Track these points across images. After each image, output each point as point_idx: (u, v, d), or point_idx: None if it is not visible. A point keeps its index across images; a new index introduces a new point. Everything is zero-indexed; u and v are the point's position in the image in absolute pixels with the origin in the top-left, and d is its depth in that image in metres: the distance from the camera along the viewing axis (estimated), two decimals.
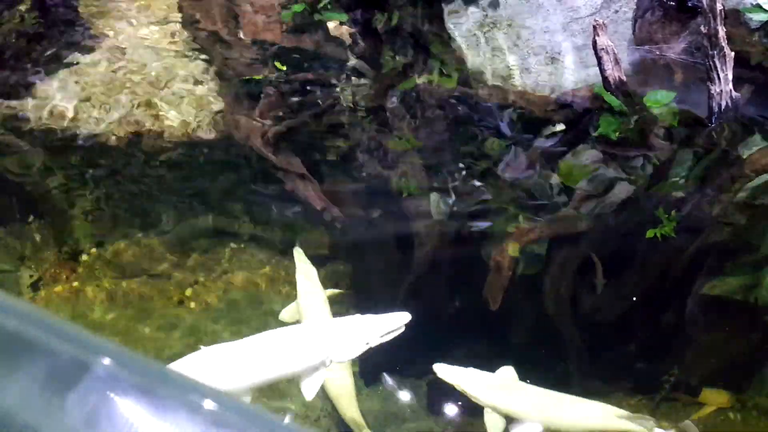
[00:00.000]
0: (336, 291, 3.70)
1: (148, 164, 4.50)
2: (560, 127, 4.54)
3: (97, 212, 4.24)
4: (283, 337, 2.85)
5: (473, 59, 4.91)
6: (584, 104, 4.56)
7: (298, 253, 3.68)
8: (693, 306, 3.80)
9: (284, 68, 4.91)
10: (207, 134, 4.61)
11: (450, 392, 3.58)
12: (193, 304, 3.84)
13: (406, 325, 2.82)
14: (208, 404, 0.72)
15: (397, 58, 5.01)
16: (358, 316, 2.82)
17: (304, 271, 3.61)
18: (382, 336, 2.77)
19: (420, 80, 4.82)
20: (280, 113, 4.67)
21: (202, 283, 3.93)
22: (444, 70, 4.86)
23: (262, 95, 4.74)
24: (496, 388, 3.17)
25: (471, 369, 3.18)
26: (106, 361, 0.74)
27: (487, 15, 4.90)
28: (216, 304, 3.83)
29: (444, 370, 3.15)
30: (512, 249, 3.77)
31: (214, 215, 4.26)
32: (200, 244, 4.11)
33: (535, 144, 4.54)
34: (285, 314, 3.48)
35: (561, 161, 4.41)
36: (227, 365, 2.69)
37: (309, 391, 2.74)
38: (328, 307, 3.50)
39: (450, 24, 5.01)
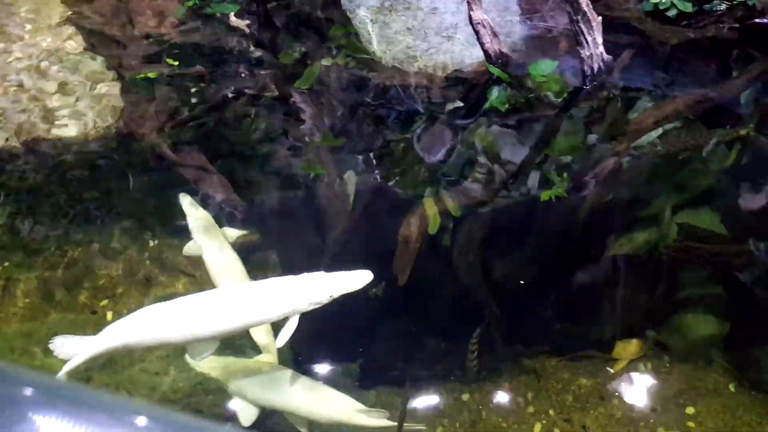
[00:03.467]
0: (240, 232, 3.80)
1: (51, 171, 4.38)
2: (460, 103, 4.67)
3: (1, 225, 4.12)
4: (253, 289, 3.05)
5: (373, 43, 4.98)
6: (478, 79, 4.70)
7: (185, 200, 3.79)
8: (599, 263, 4.00)
9: (177, 63, 4.86)
10: (108, 136, 4.53)
11: (380, 373, 3.74)
12: (111, 314, 3.78)
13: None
14: (141, 420, 0.74)
15: (297, 45, 5.03)
16: (323, 272, 3.04)
17: (196, 215, 3.75)
18: (344, 290, 3.01)
19: (321, 66, 4.87)
20: (177, 109, 4.64)
21: (121, 290, 3.89)
22: (344, 55, 4.91)
23: (157, 92, 4.71)
24: (245, 375, 3.21)
25: (229, 358, 3.28)
26: (28, 391, 0.75)
27: None
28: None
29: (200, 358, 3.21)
30: (419, 223, 3.89)
31: (125, 218, 4.21)
32: (114, 249, 4.06)
33: (439, 121, 4.66)
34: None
35: (473, 135, 4.56)
36: (199, 314, 2.88)
37: (281, 339, 3.00)
38: (229, 247, 3.67)
39: (348, 9, 5.06)
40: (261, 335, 3.43)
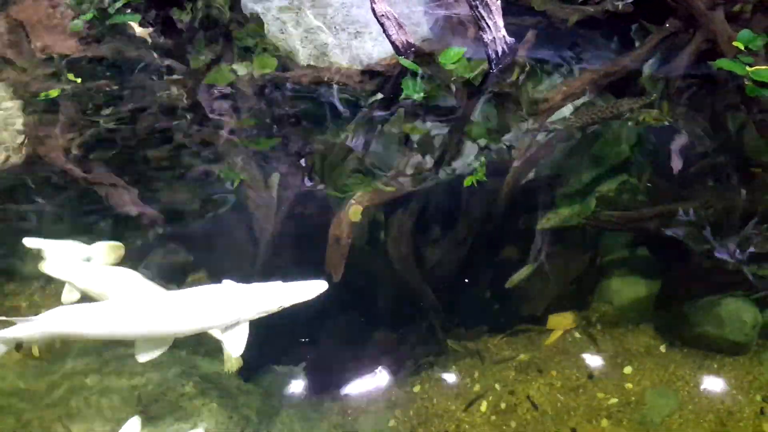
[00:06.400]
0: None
1: None
2: (378, 96, 4.68)
3: None
4: (202, 294, 3.04)
5: (284, 42, 4.93)
6: (391, 71, 4.71)
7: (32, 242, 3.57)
8: (527, 240, 4.09)
9: (78, 80, 4.70)
10: (14, 162, 4.34)
11: (327, 376, 3.73)
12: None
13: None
14: None
15: (205, 51, 4.93)
16: (279, 282, 3.06)
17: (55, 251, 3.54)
18: (295, 300, 3.05)
19: (232, 70, 4.80)
20: (83, 126, 4.49)
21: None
22: (256, 57, 4.85)
23: (61, 111, 4.55)
24: None
25: None
26: None
27: None
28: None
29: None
30: (348, 220, 3.88)
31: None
32: (30, 279, 3.91)
33: (357, 115, 4.65)
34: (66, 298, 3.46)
35: (391, 127, 4.57)
36: (144, 314, 2.93)
37: (236, 348, 3.01)
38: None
39: (255, 10, 4.99)
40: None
